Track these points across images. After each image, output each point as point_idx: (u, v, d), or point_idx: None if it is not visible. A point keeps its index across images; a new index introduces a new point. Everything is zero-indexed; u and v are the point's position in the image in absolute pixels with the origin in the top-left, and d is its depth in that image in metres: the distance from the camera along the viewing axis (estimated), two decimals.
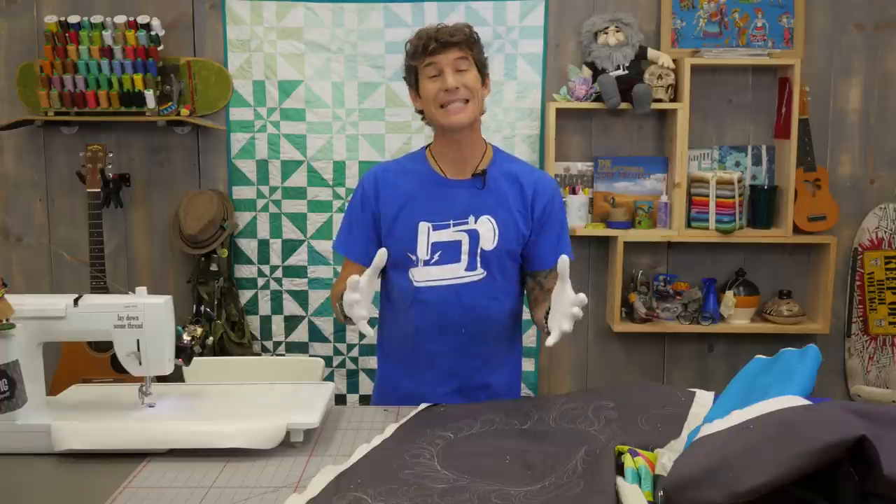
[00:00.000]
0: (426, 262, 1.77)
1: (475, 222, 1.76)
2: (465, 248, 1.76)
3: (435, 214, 1.77)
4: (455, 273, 1.77)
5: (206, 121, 3.10)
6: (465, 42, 1.73)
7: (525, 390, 3.22)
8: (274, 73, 3.10)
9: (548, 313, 1.57)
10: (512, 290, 1.84)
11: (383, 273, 1.86)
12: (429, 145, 1.87)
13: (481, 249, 1.76)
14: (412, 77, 1.78)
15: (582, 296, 1.43)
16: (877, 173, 3.15)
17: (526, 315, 1.90)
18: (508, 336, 1.87)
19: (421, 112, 1.83)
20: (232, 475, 1.35)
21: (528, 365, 3.21)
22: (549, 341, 1.49)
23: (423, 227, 1.76)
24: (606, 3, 3.08)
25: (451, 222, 1.77)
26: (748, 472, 1.01)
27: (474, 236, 1.76)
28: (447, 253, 1.76)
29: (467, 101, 1.72)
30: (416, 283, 1.78)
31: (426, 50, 1.72)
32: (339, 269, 2.41)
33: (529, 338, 3.14)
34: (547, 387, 3.25)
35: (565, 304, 1.45)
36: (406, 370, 1.85)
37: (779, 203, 3.06)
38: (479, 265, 1.77)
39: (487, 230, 1.76)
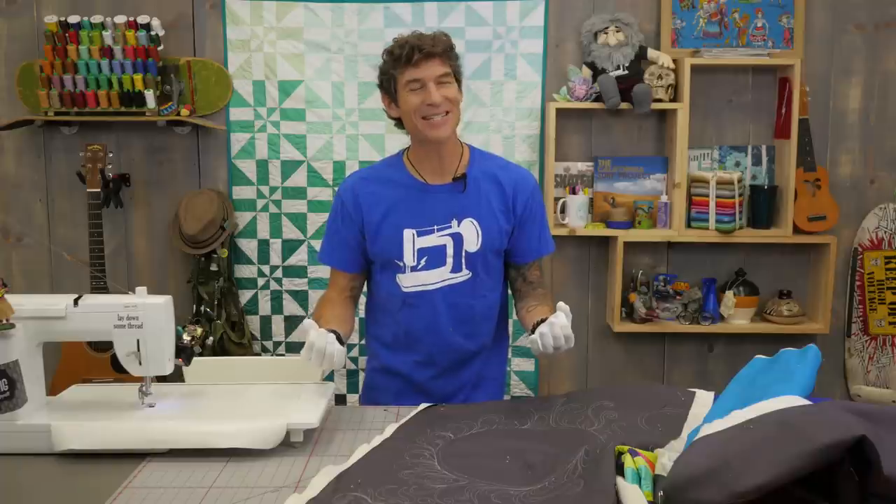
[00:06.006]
0: (413, 268, 1.80)
1: (458, 225, 1.80)
2: (449, 251, 1.80)
3: (418, 221, 1.80)
4: (441, 276, 1.81)
5: (206, 121, 3.10)
6: (445, 52, 1.73)
7: (525, 390, 3.22)
8: (274, 73, 3.10)
9: (540, 322, 1.64)
10: (496, 283, 1.89)
11: (371, 276, 1.91)
12: (405, 150, 1.88)
13: (465, 251, 1.80)
14: (391, 84, 1.77)
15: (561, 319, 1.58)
16: (877, 173, 3.15)
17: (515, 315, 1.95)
18: (496, 328, 1.92)
19: (395, 119, 1.84)
20: (232, 475, 1.34)
21: (528, 365, 3.21)
22: (531, 342, 1.62)
23: (408, 234, 1.79)
24: (606, 3, 3.08)
25: (435, 227, 1.80)
26: (748, 472, 1.01)
27: (458, 239, 1.80)
28: (433, 257, 1.80)
29: (448, 112, 1.74)
30: (404, 289, 1.82)
31: (409, 61, 1.70)
32: None
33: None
34: (547, 387, 3.25)
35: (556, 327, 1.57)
36: (397, 364, 1.89)
37: (779, 203, 3.06)
38: (464, 266, 1.81)
39: (471, 233, 1.80)
